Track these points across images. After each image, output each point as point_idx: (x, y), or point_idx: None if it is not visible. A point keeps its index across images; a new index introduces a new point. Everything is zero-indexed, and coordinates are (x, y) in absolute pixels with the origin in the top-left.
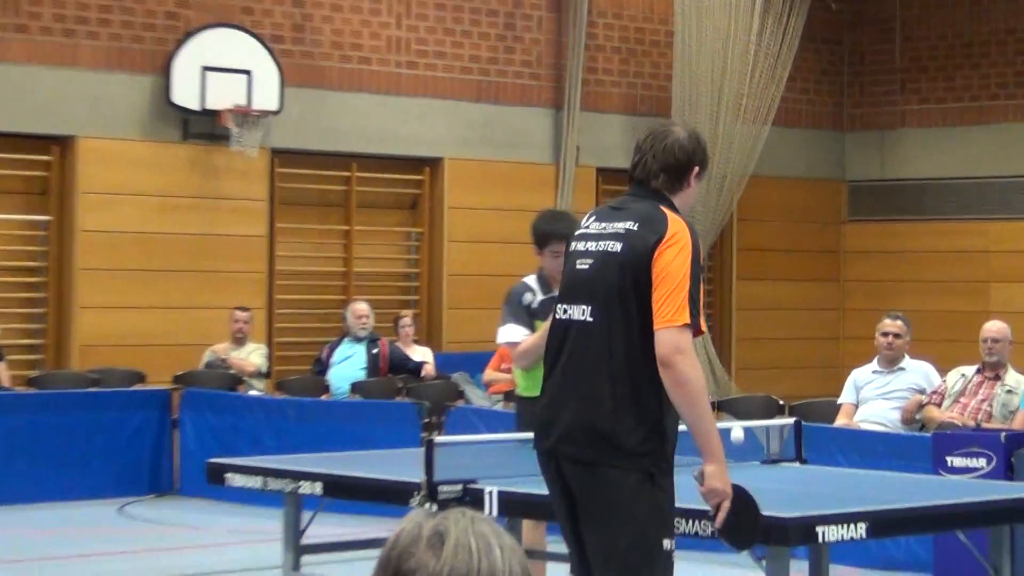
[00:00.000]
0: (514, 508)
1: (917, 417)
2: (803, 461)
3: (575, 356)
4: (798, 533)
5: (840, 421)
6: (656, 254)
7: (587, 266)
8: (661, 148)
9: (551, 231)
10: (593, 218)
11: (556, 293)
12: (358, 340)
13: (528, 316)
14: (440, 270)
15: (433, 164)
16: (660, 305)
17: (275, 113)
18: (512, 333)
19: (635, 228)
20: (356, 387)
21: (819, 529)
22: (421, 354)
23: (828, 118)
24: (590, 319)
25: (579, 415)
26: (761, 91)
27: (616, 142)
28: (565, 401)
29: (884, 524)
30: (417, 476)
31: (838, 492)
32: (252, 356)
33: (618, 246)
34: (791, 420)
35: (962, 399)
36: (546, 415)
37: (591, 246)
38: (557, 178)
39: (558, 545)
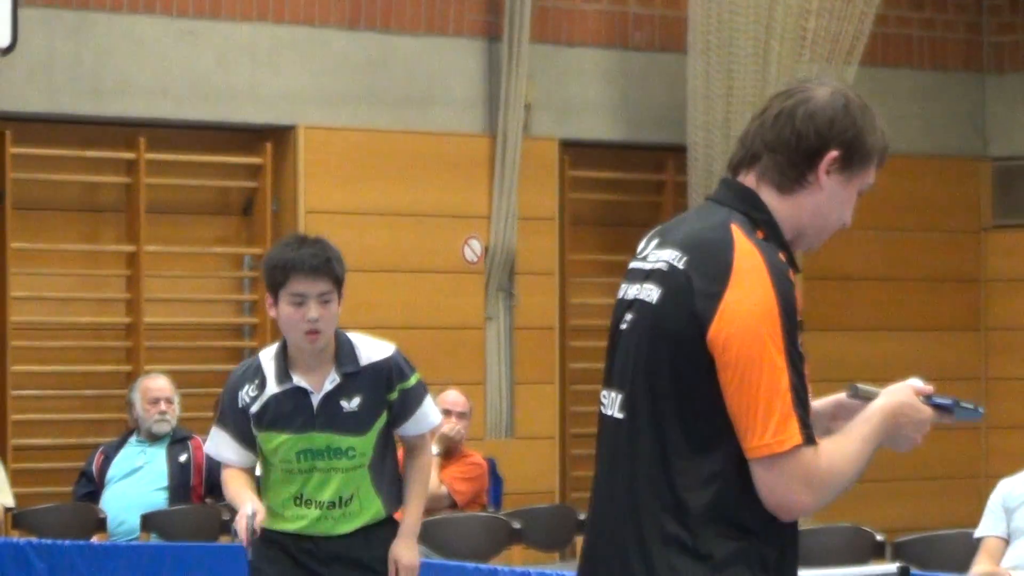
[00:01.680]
0: None
1: None
2: None
3: (606, 479)
4: None
5: (980, 568)
6: (714, 320)
7: (626, 326)
8: (775, 114)
9: (286, 264)
10: (654, 240)
11: (299, 380)
12: (154, 440)
13: (247, 421)
14: None
15: (279, 137)
16: (747, 421)
17: (3, 52)
18: (220, 444)
19: (679, 264)
20: (150, 520)
21: None
22: None
23: (957, 52)
24: (619, 416)
25: None
26: (841, 9)
27: (593, 96)
28: (597, 563)
29: None
30: None
31: None
32: None
33: (655, 293)
34: (894, 568)
35: None
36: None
37: (633, 291)
38: (493, 157)
39: None
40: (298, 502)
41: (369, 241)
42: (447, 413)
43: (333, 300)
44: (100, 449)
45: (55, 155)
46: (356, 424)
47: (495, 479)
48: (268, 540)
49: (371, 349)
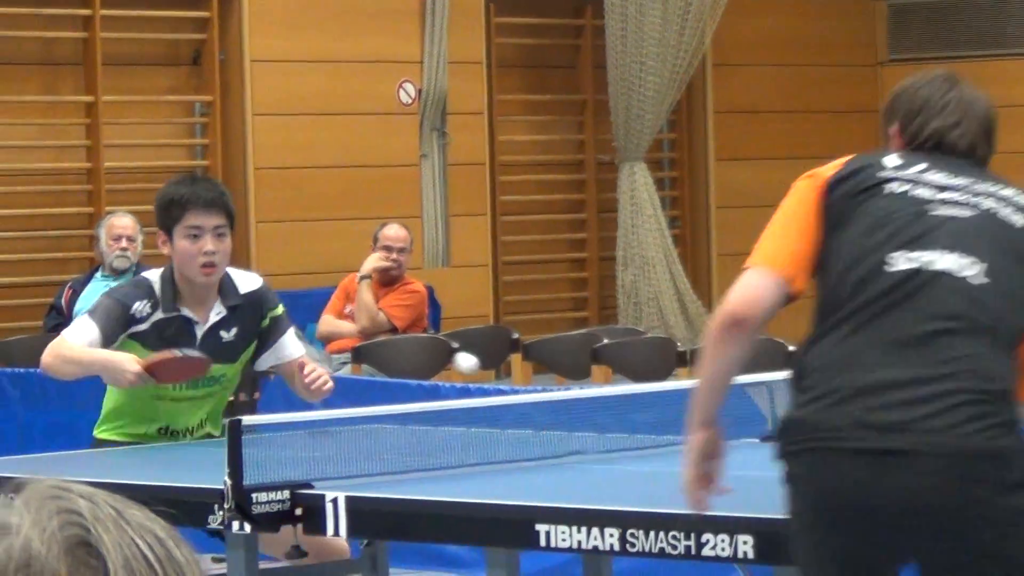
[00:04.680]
0: (374, 522)
1: None
2: None
3: (953, 328)
4: None
5: None
6: None
7: (960, 215)
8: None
9: (183, 198)
10: (922, 166)
11: (185, 310)
12: (117, 275)
13: (121, 328)
14: (240, 161)
15: None
16: None
17: None
18: (83, 332)
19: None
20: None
21: None
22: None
23: None
24: (986, 280)
25: (975, 425)
26: None
27: None
28: (934, 397)
29: None
30: (218, 481)
31: None
32: None
33: (1013, 216)
34: None
35: None
36: (894, 415)
37: (951, 196)
38: (424, 6)
39: None
40: (163, 432)
41: (310, 87)
42: (386, 248)
43: (227, 234)
44: (68, 284)
45: (14, 12)
46: (231, 353)
47: (434, 305)
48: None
49: (245, 281)
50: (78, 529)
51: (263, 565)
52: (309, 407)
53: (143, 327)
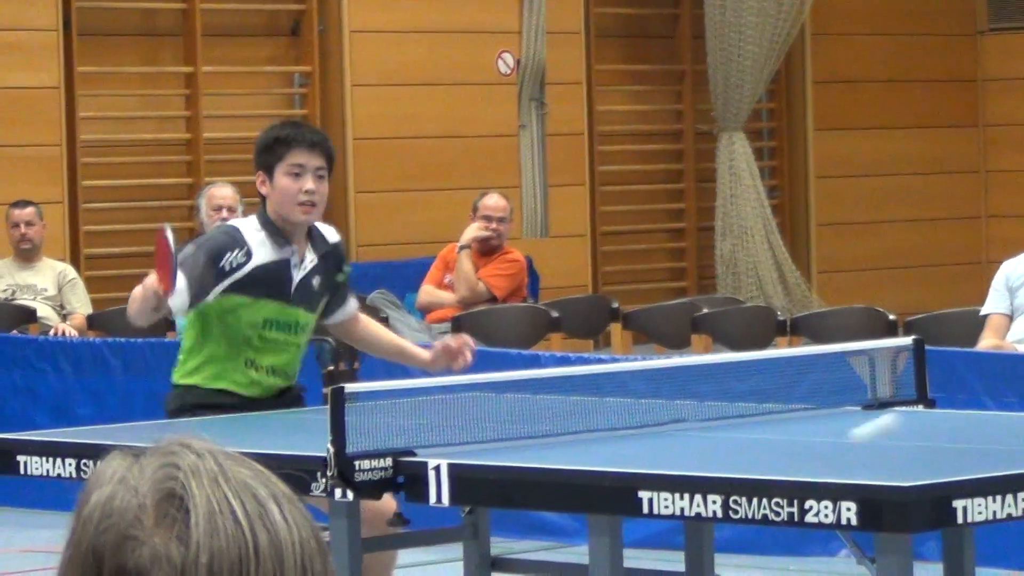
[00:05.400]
0: (476, 490)
1: None
2: (929, 403)
3: None
4: (924, 512)
5: (985, 343)
6: None
7: None
8: None
9: (287, 136)
10: None
11: (290, 248)
12: None
13: (214, 281)
14: (339, 132)
15: None
16: None
17: None
18: (179, 290)
19: None
20: None
21: (957, 504)
22: None
23: None
24: None
25: None
26: None
27: None
28: None
29: None
30: (321, 448)
31: (984, 447)
32: (58, 284)
33: None
34: (908, 341)
35: None
36: None
37: None
38: None
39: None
40: (248, 364)
41: (409, 57)
42: (486, 218)
43: (326, 178)
44: None
45: None
46: (316, 301)
47: (532, 275)
48: (191, 392)
49: (328, 232)
50: (173, 483)
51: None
52: (410, 375)
53: (238, 276)
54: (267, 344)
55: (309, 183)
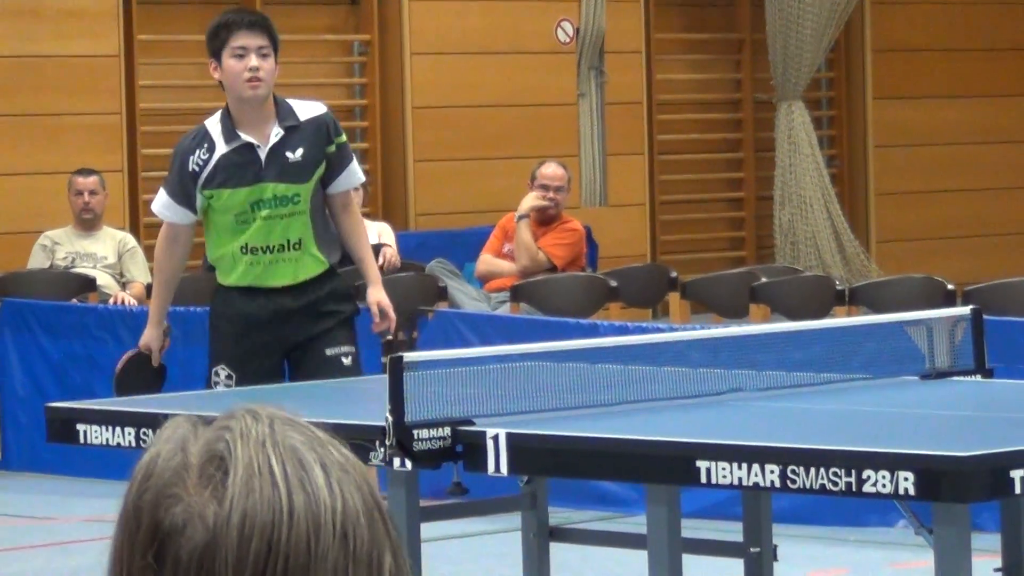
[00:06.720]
0: (534, 459)
1: None
2: (987, 373)
3: None
4: (982, 482)
5: None
6: None
7: None
8: None
9: (228, 21)
10: None
11: (246, 137)
12: None
13: (191, 186)
14: (399, 101)
15: None
16: None
17: None
18: (164, 205)
19: None
20: None
21: (1015, 474)
22: (376, 233)
23: None
24: None
25: None
26: None
27: None
28: None
29: None
30: (379, 418)
31: None
32: (118, 253)
33: None
34: (967, 311)
35: None
36: None
37: None
38: None
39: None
40: (244, 250)
41: (468, 26)
42: (544, 187)
43: (271, 55)
44: None
45: None
46: (300, 172)
47: (591, 244)
48: (224, 299)
49: (306, 108)
50: (221, 445)
51: (424, 503)
52: (467, 343)
53: (207, 172)
54: (263, 224)
55: (253, 61)
